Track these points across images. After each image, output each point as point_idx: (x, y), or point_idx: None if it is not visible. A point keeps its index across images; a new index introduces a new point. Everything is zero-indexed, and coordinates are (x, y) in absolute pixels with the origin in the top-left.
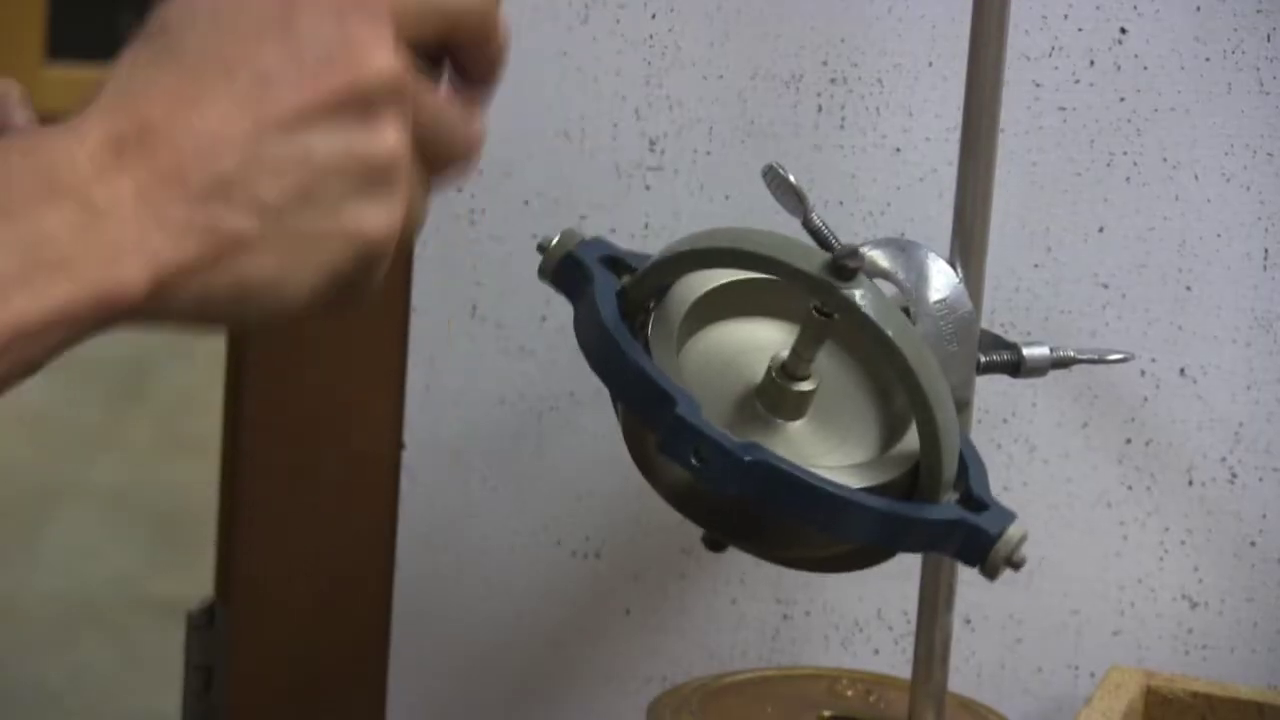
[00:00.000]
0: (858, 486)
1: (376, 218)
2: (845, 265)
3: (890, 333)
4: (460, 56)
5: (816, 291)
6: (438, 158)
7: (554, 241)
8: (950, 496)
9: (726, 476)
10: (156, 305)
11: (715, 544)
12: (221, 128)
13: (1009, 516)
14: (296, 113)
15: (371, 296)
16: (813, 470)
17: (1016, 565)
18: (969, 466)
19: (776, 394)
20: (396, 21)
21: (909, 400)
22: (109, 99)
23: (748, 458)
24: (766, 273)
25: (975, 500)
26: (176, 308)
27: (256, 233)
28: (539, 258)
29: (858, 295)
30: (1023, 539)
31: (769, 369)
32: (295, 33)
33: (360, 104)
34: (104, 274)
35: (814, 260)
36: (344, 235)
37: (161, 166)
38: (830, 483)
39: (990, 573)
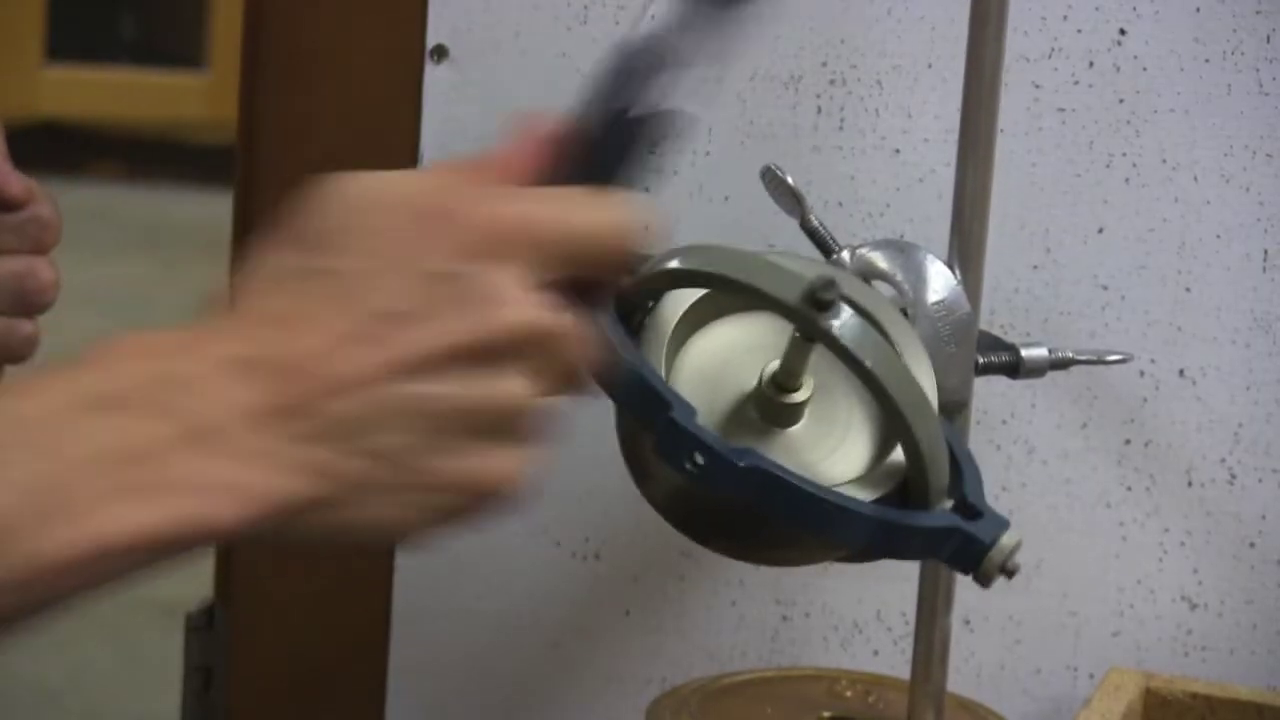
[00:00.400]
0: (853, 493)
1: (499, 465)
2: (821, 298)
3: (868, 363)
4: (586, 284)
5: (794, 321)
6: (557, 385)
7: None
8: (944, 503)
9: (721, 481)
10: (249, 532)
11: None
12: (347, 366)
13: (1003, 524)
14: (420, 359)
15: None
16: (807, 476)
17: (1010, 573)
18: (964, 473)
19: (769, 404)
20: (531, 263)
21: (890, 425)
22: (234, 322)
23: (742, 463)
24: (745, 300)
25: (970, 507)
26: (272, 535)
27: (371, 479)
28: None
29: (835, 326)
30: (1016, 547)
31: (759, 380)
32: (430, 272)
33: (492, 353)
34: (198, 501)
35: (794, 288)
36: (464, 483)
37: (282, 401)
38: (824, 489)
39: (984, 580)
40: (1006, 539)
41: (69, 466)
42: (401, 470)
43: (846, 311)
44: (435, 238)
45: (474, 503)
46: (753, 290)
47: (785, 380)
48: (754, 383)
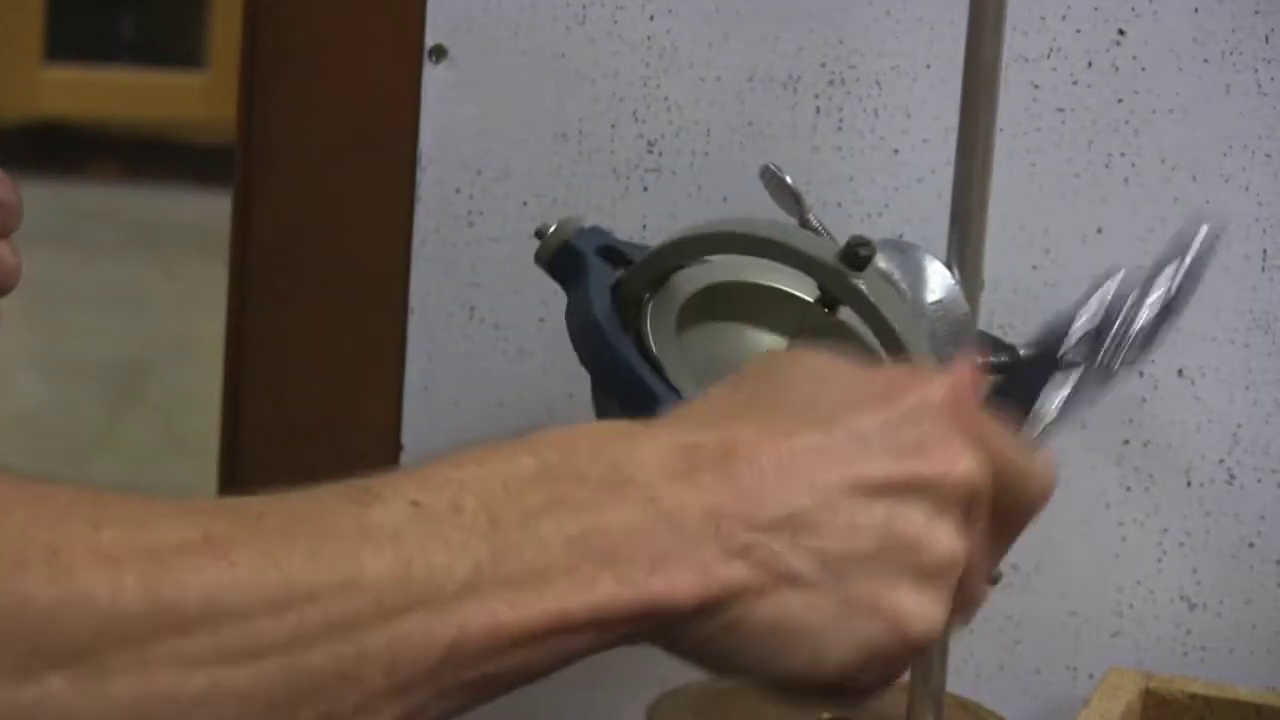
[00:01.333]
0: None
1: (922, 609)
2: (858, 253)
3: (896, 326)
4: (999, 503)
5: (826, 278)
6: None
7: (551, 229)
8: None
9: None
10: (696, 621)
11: None
12: (808, 468)
13: None
14: (880, 482)
15: (879, 692)
16: None
17: (994, 580)
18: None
19: None
20: (978, 447)
21: None
22: (690, 415)
23: None
24: (776, 258)
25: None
26: (712, 630)
27: (809, 580)
28: (538, 259)
29: (866, 285)
30: None
31: None
32: (896, 412)
33: (938, 498)
34: (656, 578)
35: (829, 248)
36: (888, 614)
37: (738, 486)
38: None
39: None
40: None
41: (533, 539)
42: (839, 579)
43: (876, 273)
44: (907, 410)
45: (891, 636)
46: (784, 246)
47: None
48: None
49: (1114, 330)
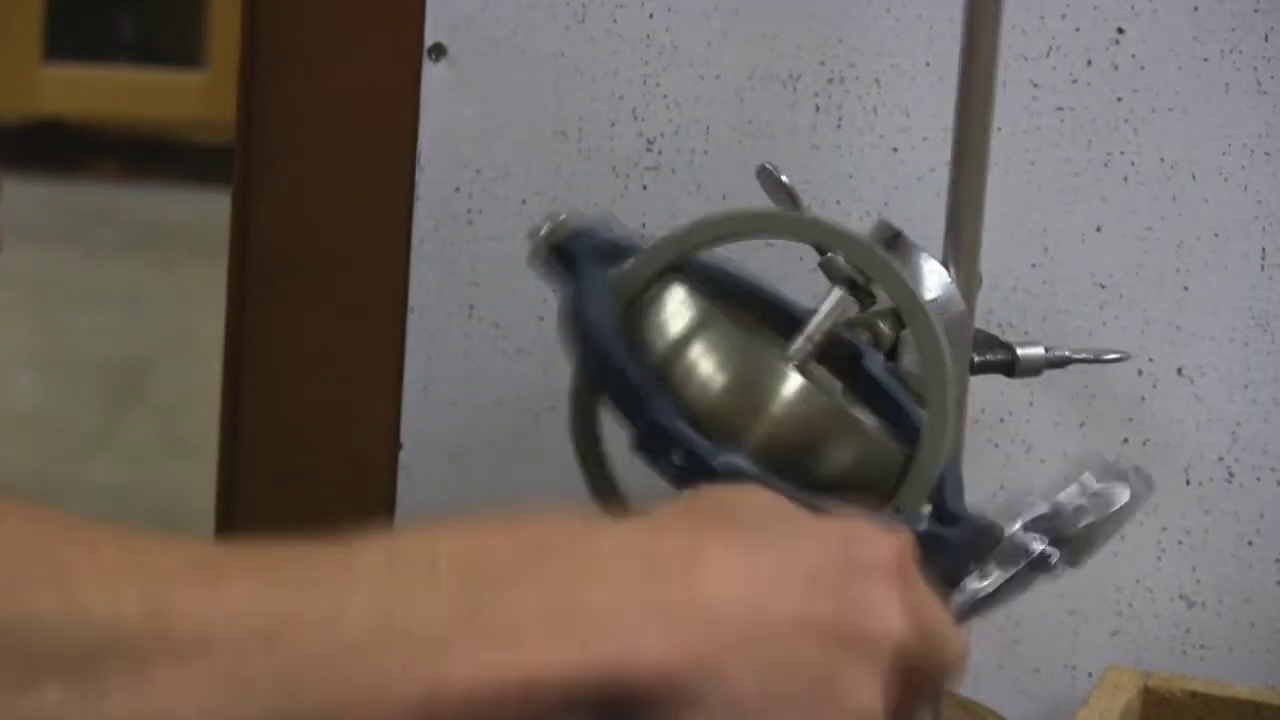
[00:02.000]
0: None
1: None
2: (892, 232)
3: (924, 302)
4: (914, 677)
5: (859, 254)
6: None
7: (545, 229)
8: (924, 507)
9: (699, 480)
10: (667, 687)
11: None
12: (764, 592)
13: (980, 531)
14: (824, 625)
15: None
16: (784, 482)
17: None
18: (946, 479)
19: None
20: (913, 613)
21: (925, 368)
22: (653, 523)
23: (717, 462)
24: (808, 239)
25: (948, 513)
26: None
27: (743, 694)
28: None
29: (896, 263)
30: None
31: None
32: (849, 563)
33: (871, 655)
34: (621, 645)
35: (859, 231)
36: None
37: (698, 591)
38: (800, 494)
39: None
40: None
41: (506, 602)
42: (763, 706)
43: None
44: (860, 564)
45: None
46: (821, 226)
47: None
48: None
49: (1064, 523)
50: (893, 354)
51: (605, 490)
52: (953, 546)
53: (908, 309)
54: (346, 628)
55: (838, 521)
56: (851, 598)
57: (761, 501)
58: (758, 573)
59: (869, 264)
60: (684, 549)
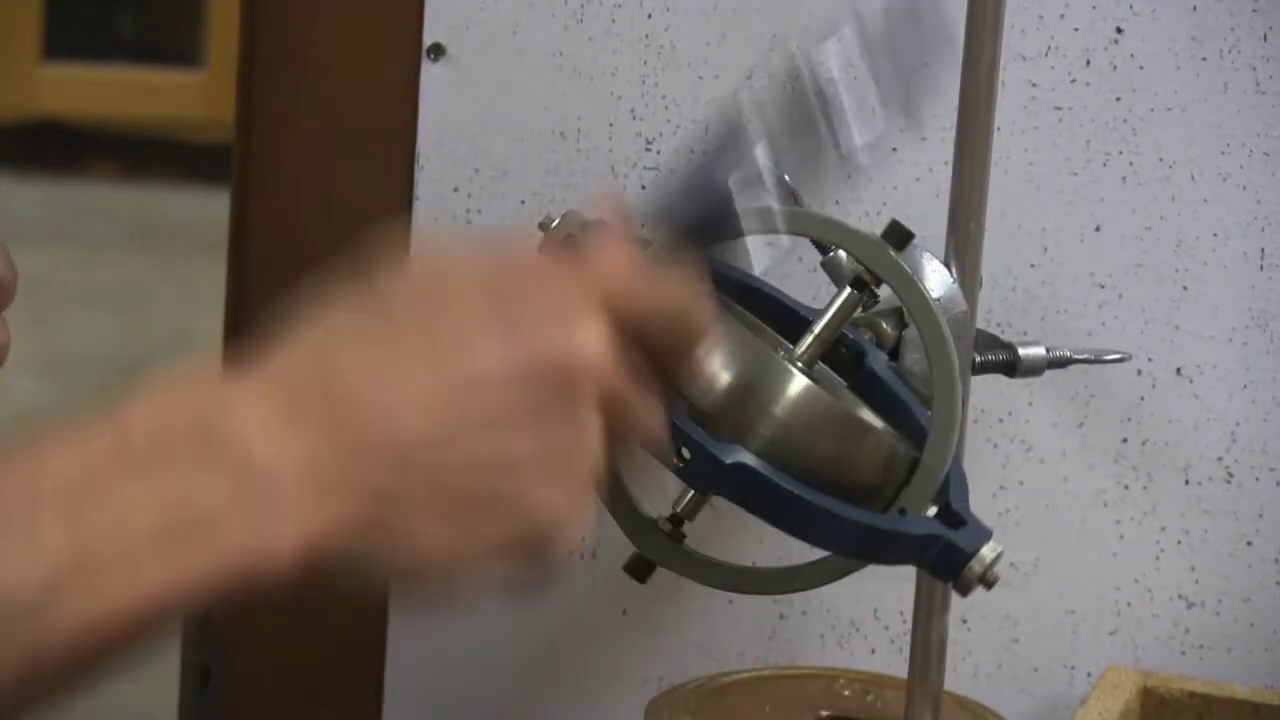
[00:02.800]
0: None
1: (556, 500)
2: (902, 231)
3: (933, 300)
4: (658, 355)
5: (868, 253)
6: (614, 443)
7: (555, 223)
8: (930, 509)
9: (707, 477)
10: (307, 573)
11: (640, 573)
12: (410, 390)
13: (985, 535)
14: (494, 378)
15: (542, 594)
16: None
17: (989, 584)
18: (951, 481)
19: None
20: (610, 313)
21: (933, 369)
22: (292, 350)
23: (729, 460)
24: (818, 236)
25: (954, 515)
26: (332, 575)
27: (427, 501)
28: (538, 239)
29: (905, 263)
30: (997, 558)
31: None
32: (503, 298)
33: (563, 384)
34: (250, 543)
35: (869, 232)
36: (520, 512)
37: (337, 427)
38: (808, 491)
39: (962, 589)
40: (987, 550)
41: (115, 525)
42: (459, 490)
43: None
44: (515, 293)
45: (530, 538)
46: (831, 224)
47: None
48: None
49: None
50: (894, 353)
51: (610, 489)
52: (957, 548)
53: (917, 310)
54: None
55: (495, 263)
56: (512, 331)
57: (417, 279)
58: (405, 373)
59: (879, 264)
60: (319, 380)
